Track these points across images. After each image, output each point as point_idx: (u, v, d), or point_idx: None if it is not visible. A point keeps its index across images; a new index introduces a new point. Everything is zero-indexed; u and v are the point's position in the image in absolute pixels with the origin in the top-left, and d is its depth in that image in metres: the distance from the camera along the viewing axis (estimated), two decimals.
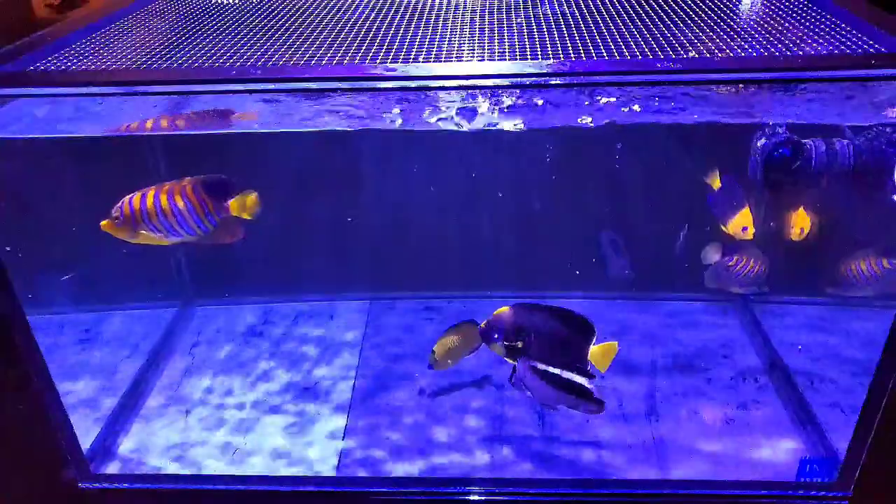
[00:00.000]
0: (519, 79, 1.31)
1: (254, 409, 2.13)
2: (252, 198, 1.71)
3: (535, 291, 2.36)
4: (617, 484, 1.85)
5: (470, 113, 1.50)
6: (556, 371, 1.63)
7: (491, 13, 1.70)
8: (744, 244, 1.97)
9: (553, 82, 1.32)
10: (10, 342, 1.64)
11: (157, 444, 2.01)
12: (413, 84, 1.34)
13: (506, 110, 1.49)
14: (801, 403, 2.06)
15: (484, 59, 1.41)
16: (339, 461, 1.94)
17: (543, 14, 1.67)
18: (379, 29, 1.61)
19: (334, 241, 2.38)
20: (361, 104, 1.50)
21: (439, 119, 1.52)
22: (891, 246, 1.93)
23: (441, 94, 1.43)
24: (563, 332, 1.66)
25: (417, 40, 1.52)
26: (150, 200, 1.61)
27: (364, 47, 1.49)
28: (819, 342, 2.31)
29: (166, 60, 1.45)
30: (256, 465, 1.94)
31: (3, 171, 1.84)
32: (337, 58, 1.44)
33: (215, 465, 1.94)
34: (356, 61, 1.42)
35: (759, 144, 1.77)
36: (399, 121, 1.51)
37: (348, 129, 1.60)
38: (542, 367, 1.63)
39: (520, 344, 1.67)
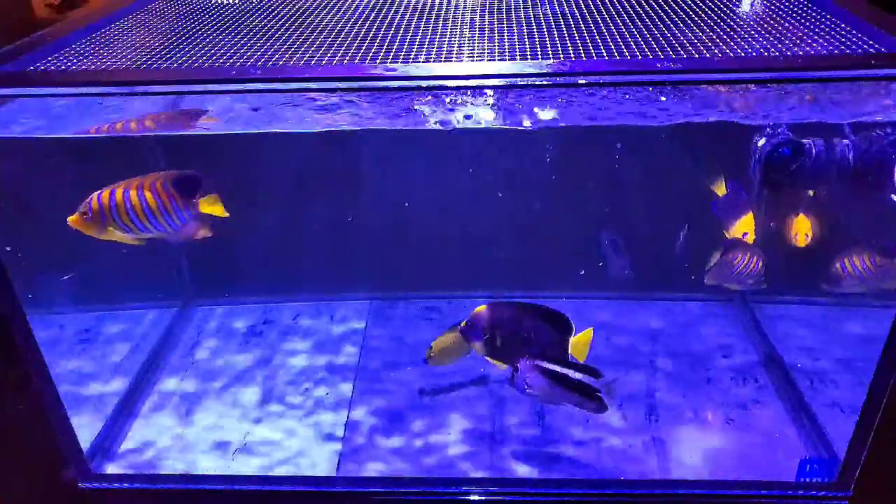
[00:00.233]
0: (519, 79, 1.31)
1: (254, 409, 2.13)
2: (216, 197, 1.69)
3: (536, 291, 2.35)
4: (617, 484, 1.85)
5: (469, 112, 1.50)
6: (564, 370, 1.63)
7: (491, 13, 1.70)
8: (743, 242, 1.99)
9: (553, 82, 1.32)
10: (10, 342, 1.64)
11: (157, 444, 2.01)
12: (413, 84, 1.34)
13: (506, 110, 1.49)
14: (801, 403, 2.06)
15: (484, 59, 1.41)
16: (339, 461, 1.94)
17: (543, 14, 1.67)
18: (379, 29, 1.61)
19: (334, 241, 2.38)
20: (369, 106, 1.50)
21: (438, 119, 1.52)
22: (882, 243, 1.94)
23: (441, 93, 1.43)
24: (541, 328, 1.67)
25: (417, 40, 1.52)
26: (119, 196, 1.58)
27: (364, 47, 1.49)
28: (819, 342, 2.31)
29: (166, 60, 1.45)
30: (256, 465, 1.94)
31: (2, 171, 1.84)
32: (337, 58, 1.44)
33: (215, 465, 1.94)
34: (356, 61, 1.42)
35: (759, 144, 1.77)
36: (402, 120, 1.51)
37: (348, 129, 1.60)
38: (547, 365, 1.64)
39: (499, 341, 1.69)
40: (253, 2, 1.85)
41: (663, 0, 1.73)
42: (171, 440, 2.02)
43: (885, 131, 1.66)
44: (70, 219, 1.60)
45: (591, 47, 1.44)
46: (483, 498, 1.84)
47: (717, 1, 1.71)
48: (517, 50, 1.45)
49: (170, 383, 2.24)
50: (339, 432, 2.03)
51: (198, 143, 1.76)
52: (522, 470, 1.90)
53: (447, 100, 1.46)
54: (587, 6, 1.71)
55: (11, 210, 1.93)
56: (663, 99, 1.44)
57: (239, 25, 1.67)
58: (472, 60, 1.40)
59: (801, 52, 1.38)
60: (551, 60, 1.38)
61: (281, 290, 2.61)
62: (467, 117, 1.51)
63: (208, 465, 1.94)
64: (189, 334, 2.47)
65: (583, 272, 2.35)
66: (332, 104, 1.48)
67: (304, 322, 2.51)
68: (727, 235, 1.97)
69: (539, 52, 1.43)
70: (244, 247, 2.33)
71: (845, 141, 1.71)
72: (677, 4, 1.70)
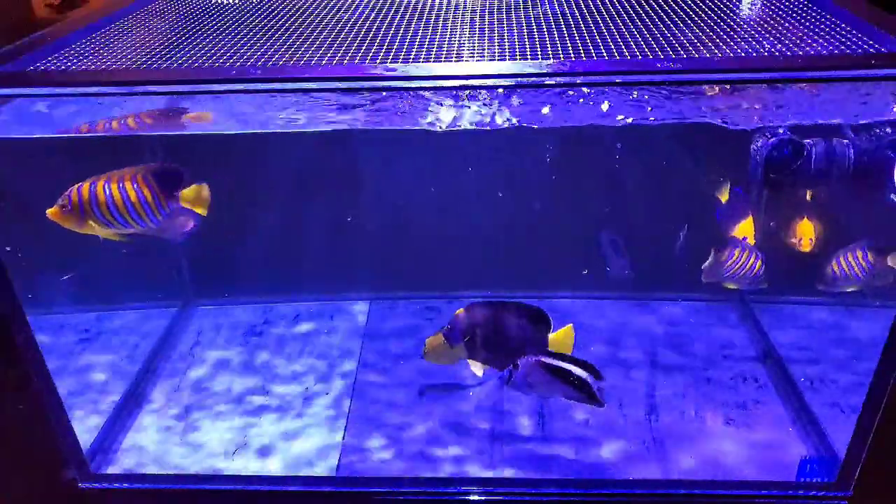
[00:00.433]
0: (519, 79, 1.31)
1: (254, 409, 2.13)
2: (204, 189, 1.66)
3: (536, 291, 2.36)
4: (617, 484, 1.85)
5: (469, 112, 1.50)
6: (566, 366, 1.63)
7: (491, 13, 1.70)
8: (739, 240, 2.00)
9: (553, 82, 1.32)
10: (10, 342, 1.64)
11: (157, 444, 2.01)
12: (413, 84, 1.34)
13: (505, 110, 1.49)
14: (801, 403, 2.06)
15: (484, 59, 1.41)
16: (339, 461, 1.94)
17: (543, 14, 1.67)
18: (379, 29, 1.61)
19: (334, 241, 2.38)
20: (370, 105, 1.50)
21: (438, 119, 1.52)
22: (875, 242, 1.94)
23: (441, 93, 1.43)
24: (519, 326, 1.70)
25: (417, 40, 1.52)
26: (99, 189, 1.56)
27: (364, 47, 1.49)
28: (819, 342, 2.31)
29: (166, 60, 1.45)
30: (256, 465, 1.94)
31: (3, 171, 1.85)
32: (337, 58, 1.44)
33: (215, 465, 1.94)
34: (356, 61, 1.42)
35: (759, 144, 1.77)
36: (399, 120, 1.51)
37: (348, 129, 1.60)
38: (549, 361, 1.64)
39: (479, 342, 1.72)
40: (253, 2, 1.85)
41: (663, 0, 1.73)
42: (171, 440, 2.02)
43: (885, 131, 1.66)
44: (49, 211, 1.57)
45: (591, 47, 1.44)
46: (483, 498, 1.84)
47: (717, 1, 1.71)
48: (517, 50, 1.45)
49: (170, 383, 2.24)
50: (339, 432, 2.03)
51: (199, 143, 1.76)
52: (522, 470, 1.90)
53: (446, 100, 1.46)
54: (587, 6, 1.71)
55: (11, 210, 1.93)
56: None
57: (239, 25, 1.67)
58: (472, 60, 1.40)
59: (801, 52, 1.38)
60: (551, 60, 1.38)
61: (281, 290, 2.61)
62: (466, 118, 1.51)
63: (208, 464, 1.94)
64: (189, 334, 2.47)
65: (585, 272, 2.35)
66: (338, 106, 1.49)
67: (304, 322, 2.51)
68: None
69: (539, 52, 1.43)
70: (244, 247, 2.33)
71: (845, 141, 1.71)
72: (677, 4, 1.70)
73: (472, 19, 1.66)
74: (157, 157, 2.19)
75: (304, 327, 2.49)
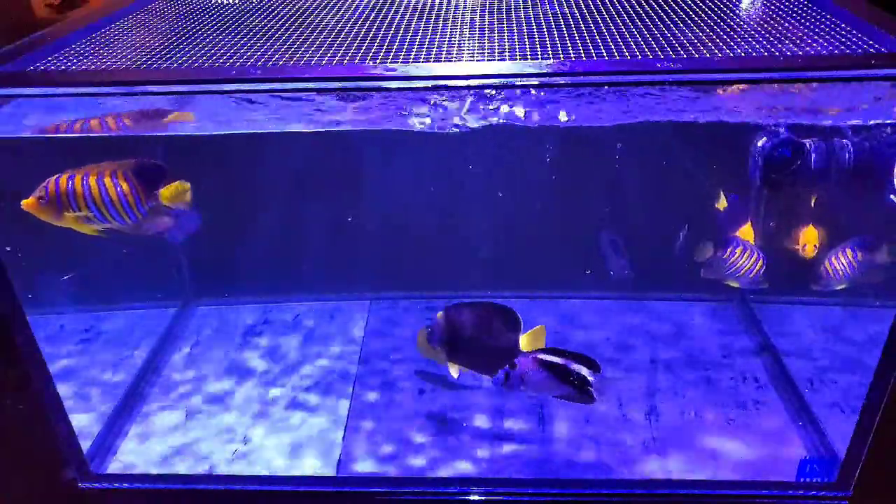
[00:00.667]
0: (519, 79, 1.31)
1: (253, 409, 2.13)
2: (185, 187, 1.64)
3: (536, 291, 2.36)
4: (617, 484, 1.85)
5: (469, 112, 1.50)
6: (564, 362, 1.63)
7: (491, 13, 1.70)
8: (738, 238, 2.01)
9: (553, 82, 1.32)
10: (10, 342, 1.64)
11: (157, 444, 2.01)
12: (413, 84, 1.34)
13: (505, 110, 1.49)
14: (801, 403, 2.06)
15: (484, 59, 1.41)
16: (339, 461, 1.94)
17: (543, 14, 1.67)
18: (379, 29, 1.61)
19: (335, 241, 2.38)
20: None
21: (438, 119, 1.52)
22: (866, 240, 1.95)
23: (440, 93, 1.43)
24: (492, 327, 1.71)
25: (417, 40, 1.52)
26: (78, 182, 1.54)
27: (364, 47, 1.49)
28: (820, 341, 2.31)
29: (166, 60, 1.45)
30: (256, 465, 1.94)
31: (3, 170, 1.84)
32: (337, 58, 1.44)
33: (215, 465, 1.94)
34: (356, 61, 1.42)
35: (759, 144, 1.77)
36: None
37: (348, 129, 1.60)
38: (547, 357, 1.64)
39: (455, 344, 1.73)
40: (253, 2, 1.84)
41: (663, 0, 1.73)
42: (171, 440, 2.02)
43: (885, 131, 1.66)
44: (25, 202, 1.55)
45: (591, 47, 1.44)
46: (483, 498, 1.84)
47: (717, 1, 1.71)
48: (517, 50, 1.45)
49: (170, 383, 2.24)
50: (339, 432, 2.03)
51: (200, 143, 1.75)
52: (522, 469, 1.90)
53: (446, 100, 1.46)
54: (587, 6, 1.71)
55: (11, 210, 1.93)
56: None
57: (239, 25, 1.67)
58: (473, 60, 1.40)
59: (801, 52, 1.38)
60: (551, 60, 1.38)
61: (281, 290, 2.61)
62: (467, 117, 1.51)
63: (208, 465, 1.94)
64: (189, 334, 2.47)
65: (587, 272, 2.35)
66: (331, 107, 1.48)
67: (304, 322, 2.51)
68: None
69: (539, 52, 1.43)
70: (244, 247, 2.33)
71: (845, 141, 1.71)
72: (677, 4, 1.70)
73: (472, 19, 1.66)
74: (156, 157, 2.19)
75: (304, 327, 2.49)
